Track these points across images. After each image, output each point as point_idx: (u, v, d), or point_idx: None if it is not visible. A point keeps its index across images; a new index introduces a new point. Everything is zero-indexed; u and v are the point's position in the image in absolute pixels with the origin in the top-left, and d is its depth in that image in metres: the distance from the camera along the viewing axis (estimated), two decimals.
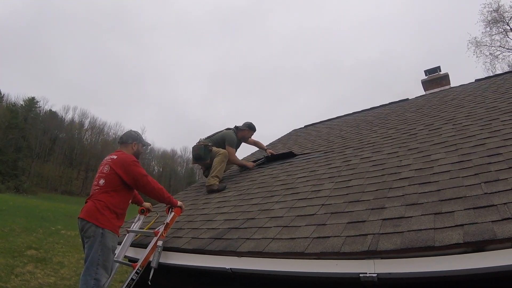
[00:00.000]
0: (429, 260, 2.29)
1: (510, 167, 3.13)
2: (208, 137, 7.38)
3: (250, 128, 7.76)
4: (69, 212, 38.89)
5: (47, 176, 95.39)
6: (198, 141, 7.29)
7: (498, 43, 31.99)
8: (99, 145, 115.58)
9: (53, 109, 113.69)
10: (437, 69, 11.74)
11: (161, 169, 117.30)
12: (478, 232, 2.25)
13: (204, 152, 6.95)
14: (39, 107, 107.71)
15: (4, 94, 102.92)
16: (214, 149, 7.11)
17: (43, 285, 12.43)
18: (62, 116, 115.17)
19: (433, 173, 3.65)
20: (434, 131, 5.45)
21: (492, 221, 2.33)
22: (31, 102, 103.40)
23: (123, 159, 4.36)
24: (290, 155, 7.44)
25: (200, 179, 8.26)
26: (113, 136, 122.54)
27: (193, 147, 7.20)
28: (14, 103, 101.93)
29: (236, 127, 7.66)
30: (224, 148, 7.17)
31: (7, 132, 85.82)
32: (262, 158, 7.89)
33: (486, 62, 32.88)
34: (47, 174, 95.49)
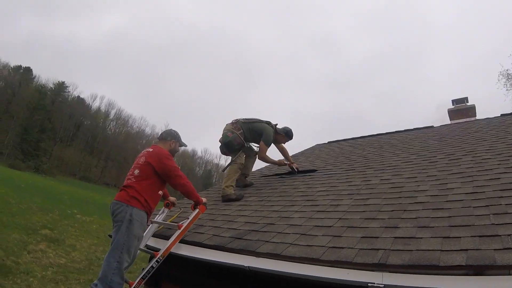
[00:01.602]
0: (432, 278, 2.48)
1: None
2: (246, 121, 6.94)
3: (287, 135, 7.41)
4: (86, 197, 39.33)
5: (67, 160, 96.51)
6: (235, 120, 6.98)
7: None
8: (122, 136, 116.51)
9: (81, 96, 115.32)
10: (465, 99, 11.78)
11: (180, 167, 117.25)
12: (480, 257, 2.44)
13: (234, 145, 6.57)
14: (68, 92, 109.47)
15: (35, 75, 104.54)
16: (250, 146, 7.10)
17: (53, 264, 12.68)
18: (89, 104, 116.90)
19: (447, 201, 3.82)
20: (453, 161, 5.57)
21: (494, 249, 2.51)
22: (61, 86, 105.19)
23: (158, 152, 4.66)
24: (313, 171, 7.39)
25: (217, 182, 8.33)
26: (137, 129, 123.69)
27: (226, 129, 6.78)
28: (43, 85, 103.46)
29: (275, 127, 7.29)
30: (256, 141, 6.96)
31: (34, 112, 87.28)
32: (292, 170, 7.52)
33: None
34: (67, 158, 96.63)
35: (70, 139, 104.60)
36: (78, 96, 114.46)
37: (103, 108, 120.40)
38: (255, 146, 7.16)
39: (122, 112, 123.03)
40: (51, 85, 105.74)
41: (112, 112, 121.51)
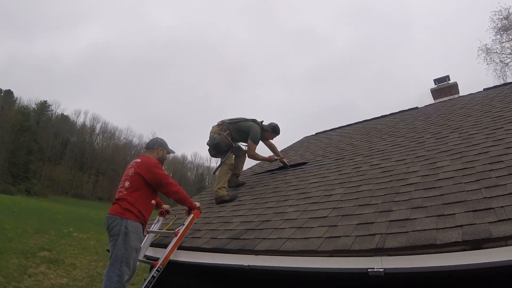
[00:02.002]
0: (431, 257, 2.50)
1: (510, 174, 3.33)
2: (232, 122, 6.90)
3: (274, 131, 7.35)
4: (80, 215, 38.99)
5: (58, 179, 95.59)
6: (221, 122, 6.92)
7: (509, 51, 31.70)
8: (110, 149, 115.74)
9: (65, 113, 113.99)
10: (446, 78, 11.84)
11: (171, 174, 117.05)
12: (476, 232, 2.47)
13: (221, 147, 6.58)
14: (51, 110, 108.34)
15: (16, 98, 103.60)
16: (239, 146, 7.09)
17: (55, 285, 12.61)
18: (74, 120, 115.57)
19: (438, 179, 3.85)
20: (441, 140, 5.62)
21: (489, 222, 2.55)
22: (43, 106, 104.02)
23: (147, 162, 4.62)
24: (303, 164, 7.41)
25: (210, 185, 8.30)
26: (124, 140, 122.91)
27: (213, 131, 6.75)
28: (26, 106, 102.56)
29: (261, 124, 7.22)
30: (244, 140, 6.94)
31: (19, 135, 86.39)
32: (283, 165, 7.56)
33: (496, 69, 32.57)
34: (58, 177, 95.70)
35: (58, 158, 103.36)
36: (62, 114, 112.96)
37: (88, 123, 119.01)
38: (243, 146, 7.14)
39: (108, 125, 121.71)
40: (34, 106, 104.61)
41: (98, 126, 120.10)
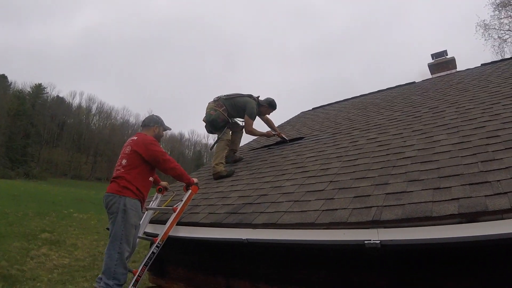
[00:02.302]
0: (427, 229, 2.52)
1: (506, 148, 3.34)
2: (228, 98, 6.85)
3: (270, 105, 7.32)
4: (80, 196, 39.05)
5: (56, 162, 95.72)
6: (217, 98, 6.89)
7: (507, 27, 31.47)
8: (107, 129, 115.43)
9: (60, 95, 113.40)
10: (444, 53, 11.78)
11: (169, 152, 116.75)
12: (472, 205, 2.49)
13: (218, 123, 6.55)
14: (46, 93, 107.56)
15: (11, 82, 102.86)
16: (235, 122, 7.06)
17: (57, 266, 12.69)
18: (70, 102, 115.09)
19: (435, 153, 3.87)
20: (438, 114, 5.62)
21: (485, 196, 2.56)
22: (38, 89, 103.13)
23: (144, 140, 4.61)
24: (301, 138, 7.41)
25: (208, 162, 8.28)
26: (121, 120, 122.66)
27: (209, 108, 6.73)
28: (21, 90, 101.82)
29: (257, 99, 7.17)
30: (241, 115, 6.92)
31: (15, 119, 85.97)
32: (282, 140, 7.58)
33: (494, 45, 32.34)
34: (56, 159, 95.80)
35: (55, 140, 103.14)
36: (57, 96, 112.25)
37: (84, 104, 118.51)
38: (240, 121, 7.11)
39: (104, 105, 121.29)
40: (29, 89, 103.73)
41: (94, 107, 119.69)
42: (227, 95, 6.88)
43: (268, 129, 7.46)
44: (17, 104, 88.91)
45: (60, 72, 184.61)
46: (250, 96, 7.00)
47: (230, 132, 6.88)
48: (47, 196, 32.66)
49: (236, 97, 6.86)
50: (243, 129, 7.10)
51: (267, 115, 7.45)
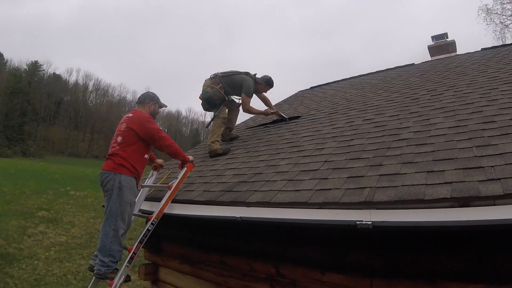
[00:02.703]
0: (419, 212, 2.54)
1: (502, 134, 3.33)
2: (225, 75, 6.78)
3: (267, 83, 7.22)
4: (77, 173, 39.26)
5: (53, 139, 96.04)
6: (214, 75, 6.81)
7: (509, 12, 31.15)
8: (104, 106, 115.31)
9: (57, 72, 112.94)
10: (444, 35, 11.69)
11: (166, 130, 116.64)
12: (465, 189, 2.49)
13: (214, 100, 6.55)
14: (43, 70, 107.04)
15: (7, 60, 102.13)
16: (232, 99, 7.06)
17: (55, 244, 12.86)
18: (66, 79, 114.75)
19: (430, 136, 3.86)
20: (435, 97, 5.60)
21: (478, 181, 2.56)
22: (35, 66, 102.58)
23: (139, 117, 4.60)
24: (298, 117, 7.38)
25: (205, 140, 8.26)
26: (118, 97, 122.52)
27: (205, 85, 6.66)
28: (17, 67, 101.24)
29: (254, 77, 7.08)
30: (237, 93, 6.91)
31: (12, 97, 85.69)
32: (280, 118, 7.52)
33: (495, 30, 32.08)
34: (53, 137, 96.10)
35: (52, 118, 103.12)
36: (54, 73, 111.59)
37: (80, 81, 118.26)
38: (236, 99, 7.10)
39: (101, 82, 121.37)
40: (25, 67, 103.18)
41: (91, 84, 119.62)
42: (224, 73, 6.83)
43: (265, 107, 7.43)
44: (13, 82, 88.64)
45: (56, 48, 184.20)
46: (247, 73, 6.95)
47: (227, 110, 6.85)
48: (44, 174, 32.89)
49: (233, 75, 6.81)
50: (240, 107, 7.08)
51: (264, 93, 7.41)
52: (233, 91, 6.89)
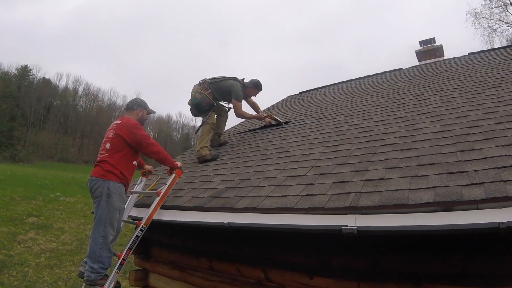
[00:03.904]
0: (403, 216, 2.58)
1: (486, 139, 3.38)
2: (213, 81, 6.80)
3: (256, 86, 7.25)
4: (67, 179, 38.97)
5: (43, 144, 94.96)
6: (202, 81, 6.84)
7: (497, 16, 31.47)
8: (94, 111, 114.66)
9: (47, 77, 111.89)
10: (432, 40, 11.79)
11: (156, 135, 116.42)
12: (448, 194, 2.53)
13: (203, 106, 6.56)
14: (32, 75, 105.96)
15: None
16: (220, 105, 7.03)
17: (45, 250, 12.79)
18: (56, 83, 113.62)
19: (415, 141, 3.91)
20: (422, 102, 5.66)
21: (461, 185, 2.61)
22: (24, 70, 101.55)
23: (127, 123, 4.61)
24: (288, 122, 7.38)
25: (195, 145, 8.28)
26: (108, 102, 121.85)
27: (194, 91, 6.69)
28: (6, 72, 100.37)
29: (242, 82, 7.12)
30: (226, 99, 6.95)
31: (1, 101, 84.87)
32: (277, 122, 7.48)
33: (484, 34, 32.47)
34: (42, 142, 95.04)
35: (42, 123, 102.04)
36: (44, 77, 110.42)
37: (70, 85, 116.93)
38: (225, 104, 7.12)
39: (91, 87, 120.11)
40: (14, 71, 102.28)
41: (80, 88, 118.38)
42: (212, 78, 6.85)
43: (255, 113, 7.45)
44: (2, 86, 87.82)
45: (47, 53, 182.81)
46: (234, 79, 6.98)
47: (215, 115, 6.89)
48: (33, 180, 32.59)
49: (221, 81, 6.83)
50: (228, 113, 7.13)
51: (253, 98, 7.44)
52: (222, 97, 6.91)
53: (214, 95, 6.69)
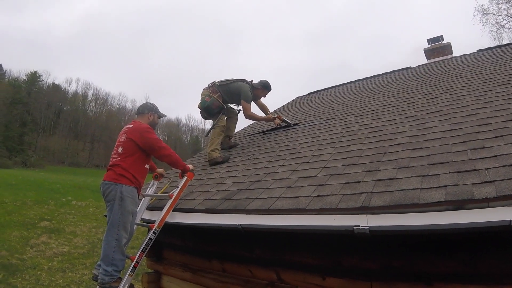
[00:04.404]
0: (414, 216, 2.59)
1: (496, 136, 3.38)
2: (222, 84, 6.83)
3: (265, 87, 7.23)
4: (78, 183, 39.21)
5: (54, 149, 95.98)
6: (211, 84, 6.86)
7: (505, 12, 31.12)
8: (103, 115, 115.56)
9: (56, 82, 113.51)
10: (440, 38, 11.76)
11: (166, 138, 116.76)
12: (459, 193, 2.54)
13: (213, 109, 6.58)
14: (42, 81, 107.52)
15: (6, 70, 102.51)
16: (229, 108, 7.07)
17: (57, 254, 12.87)
18: (66, 89, 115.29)
19: (426, 140, 3.91)
20: (431, 100, 5.66)
21: (472, 184, 2.60)
22: (34, 76, 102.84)
23: (139, 127, 4.66)
24: (298, 123, 7.38)
25: (205, 147, 8.28)
26: (117, 106, 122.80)
27: (204, 94, 6.72)
28: (16, 78, 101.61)
29: (251, 83, 7.12)
30: (235, 101, 6.97)
31: (11, 107, 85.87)
32: (286, 124, 7.52)
33: (492, 31, 32.09)
34: (53, 147, 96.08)
35: (52, 128, 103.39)
36: (53, 83, 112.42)
37: (80, 90, 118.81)
38: (235, 107, 7.16)
39: (100, 91, 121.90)
40: (24, 77, 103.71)
41: (90, 93, 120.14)
42: (221, 81, 6.88)
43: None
44: (12, 92, 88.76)
45: (56, 59, 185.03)
46: (243, 80, 7.00)
47: (225, 118, 6.91)
48: (45, 184, 32.79)
49: (230, 83, 6.86)
50: (238, 115, 7.14)
51: (262, 100, 7.45)
52: (231, 99, 6.94)
53: (223, 98, 6.72)
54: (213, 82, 6.88)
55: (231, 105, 7.16)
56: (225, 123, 6.84)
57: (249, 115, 6.90)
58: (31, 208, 19.79)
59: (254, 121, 8.41)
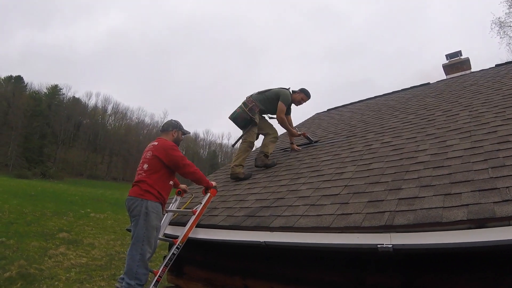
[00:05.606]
0: (437, 234, 2.63)
1: None
2: (260, 93, 6.86)
3: (304, 92, 7.16)
4: (96, 196, 39.58)
5: (72, 161, 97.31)
6: (249, 96, 6.82)
7: None
8: (122, 129, 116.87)
9: (76, 96, 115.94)
10: (458, 53, 11.75)
11: (184, 152, 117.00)
12: (481, 211, 2.58)
13: (238, 122, 6.58)
14: (62, 94, 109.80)
15: (27, 83, 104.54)
16: (268, 125, 7.04)
17: (75, 265, 12.93)
18: (85, 102, 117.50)
19: (447, 158, 3.95)
20: (451, 117, 5.67)
21: (493, 202, 2.64)
22: (55, 90, 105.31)
23: (164, 145, 4.78)
24: (317, 141, 7.40)
25: (223, 162, 8.29)
26: (136, 120, 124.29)
27: (240, 105, 6.68)
28: (37, 91, 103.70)
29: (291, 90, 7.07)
30: (274, 109, 6.84)
31: (32, 120, 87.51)
32: (309, 140, 7.53)
33: (509, 43, 31.78)
34: (72, 159, 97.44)
35: (71, 140, 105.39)
36: (73, 96, 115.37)
37: (99, 104, 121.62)
38: (272, 116, 7.09)
39: (119, 105, 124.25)
40: (45, 90, 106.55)
41: (109, 107, 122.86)
42: (259, 91, 6.93)
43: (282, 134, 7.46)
44: (33, 105, 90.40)
45: (77, 73, 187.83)
46: (281, 87, 6.99)
47: (256, 133, 6.81)
48: (64, 196, 33.13)
49: (268, 91, 6.90)
50: (277, 134, 7.03)
51: (289, 116, 7.37)
52: (269, 107, 6.89)
53: (260, 108, 6.68)
54: (251, 94, 6.91)
55: (269, 117, 7.16)
56: (255, 138, 6.76)
57: (281, 118, 6.84)
58: (50, 219, 19.99)
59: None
